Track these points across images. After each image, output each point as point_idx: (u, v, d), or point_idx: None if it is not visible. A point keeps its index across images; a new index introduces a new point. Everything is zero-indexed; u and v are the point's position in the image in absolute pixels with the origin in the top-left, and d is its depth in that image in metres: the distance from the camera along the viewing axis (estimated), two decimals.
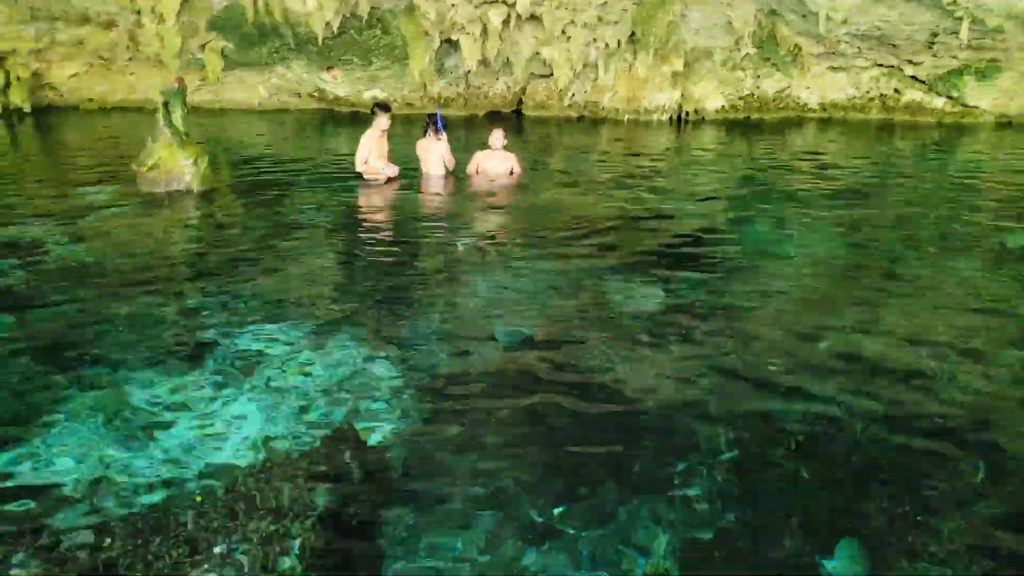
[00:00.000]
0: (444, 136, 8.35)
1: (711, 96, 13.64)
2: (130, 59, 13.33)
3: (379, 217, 7.57)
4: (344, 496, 3.09)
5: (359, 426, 3.58)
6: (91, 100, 14.46)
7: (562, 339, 4.57)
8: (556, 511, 2.97)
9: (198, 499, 3.04)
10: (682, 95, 13.55)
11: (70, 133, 12.60)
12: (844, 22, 10.82)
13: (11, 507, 2.98)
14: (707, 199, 8.35)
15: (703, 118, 13.74)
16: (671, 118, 13.72)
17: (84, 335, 4.55)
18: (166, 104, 7.24)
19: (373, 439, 3.48)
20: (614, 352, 4.36)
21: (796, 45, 12.47)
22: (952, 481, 3.20)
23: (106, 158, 9.76)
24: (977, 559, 2.80)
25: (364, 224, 7.33)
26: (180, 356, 4.28)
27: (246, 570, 2.66)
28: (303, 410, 3.72)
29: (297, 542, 2.80)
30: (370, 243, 6.68)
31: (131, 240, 6.55)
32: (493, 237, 6.79)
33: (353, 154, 8.50)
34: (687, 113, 13.74)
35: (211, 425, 3.60)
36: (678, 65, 13.10)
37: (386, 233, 7.06)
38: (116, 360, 4.20)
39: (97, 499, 3.05)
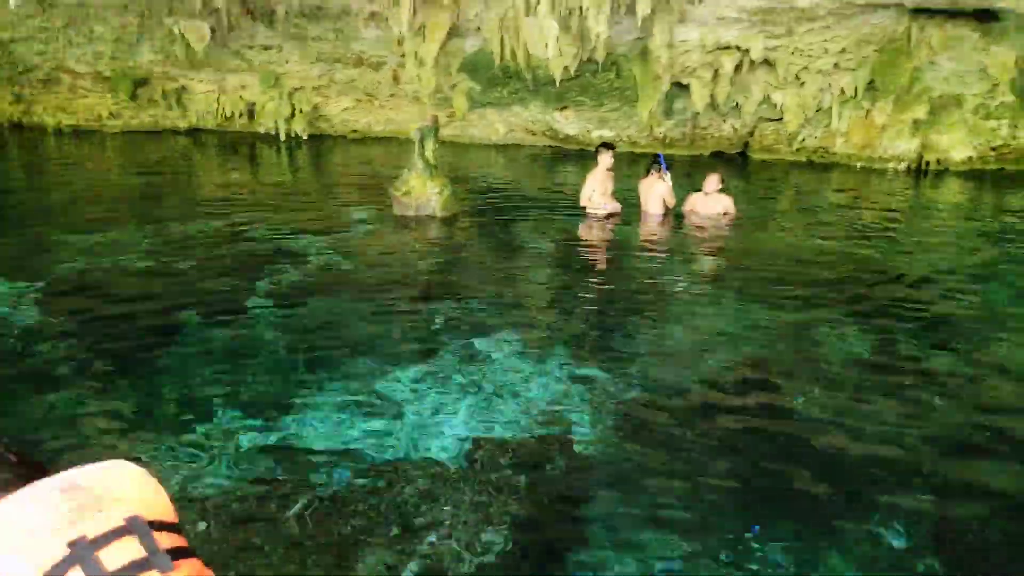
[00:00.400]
0: (668, 176, 8.61)
1: (958, 145, 12.71)
2: (391, 96, 14.95)
3: (598, 249, 8.01)
4: (544, 490, 3.47)
5: (563, 433, 3.96)
6: (355, 131, 16.34)
7: (765, 378, 4.69)
8: (747, 535, 3.13)
9: None
10: (923, 144, 12.76)
11: (337, 158, 14.39)
12: None
13: (275, 467, 3.66)
14: (941, 254, 7.92)
15: (946, 168, 12.83)
16: (909, 167, 12.95)
17: (338, 331, 5.38)
18: (421, 139, 8.20)
19: (575, 447, 3.83)
20: (816, 397, 4.42)
21: None
22: None
23: (366, 183, 11.09)
24: None
25: (583, 254, 7.79)
26: (414, 354, 4.95)
27: (455, 537, 3.10)
28: (515, 411, 4.18)
29: (499, 522, 3.20)
30: (587, 272, 7.12)
31: (383, 254, 7.49)
32: (706, 276, 6.97)
33: (579, 189, 8.99)
34: (927, 163, 12.88)
35: (436, 414, 4.16)
36: (921, 113, 12.39)
37: (602, 264, 7.46)
38: (362, 353, 4.95)
39: (340, 466, 3.67)
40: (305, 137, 15.55)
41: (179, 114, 16.20)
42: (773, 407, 4.27)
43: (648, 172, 8.84)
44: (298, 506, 3.31)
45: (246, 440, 3.86)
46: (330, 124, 16.22)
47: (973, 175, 12.66)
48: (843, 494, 3.42)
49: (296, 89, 15.07)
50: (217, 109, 15.80)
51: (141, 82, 15.27)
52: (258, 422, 4.03)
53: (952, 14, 10.95)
